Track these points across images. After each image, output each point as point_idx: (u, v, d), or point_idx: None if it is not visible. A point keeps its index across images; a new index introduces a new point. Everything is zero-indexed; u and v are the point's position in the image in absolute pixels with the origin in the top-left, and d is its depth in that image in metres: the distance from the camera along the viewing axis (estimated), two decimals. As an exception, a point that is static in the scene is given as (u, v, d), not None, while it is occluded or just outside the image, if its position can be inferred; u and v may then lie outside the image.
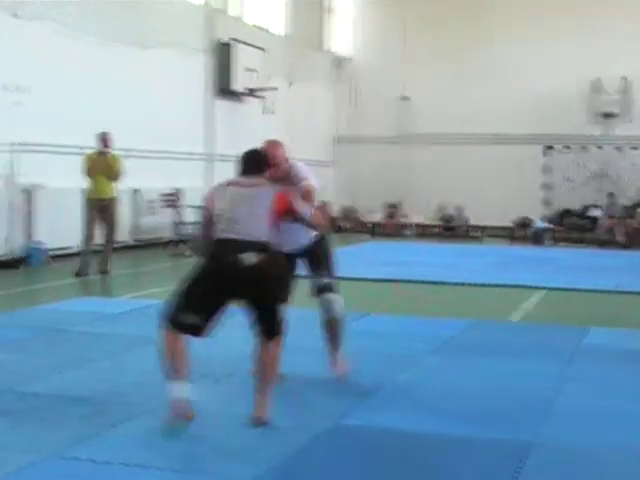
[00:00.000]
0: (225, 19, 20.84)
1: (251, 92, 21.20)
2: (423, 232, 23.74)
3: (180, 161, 18.23)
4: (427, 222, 24.12)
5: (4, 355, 7.16)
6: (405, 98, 25.50)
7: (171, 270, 14.12)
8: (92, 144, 13.35)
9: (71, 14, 15.30)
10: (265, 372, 5.40)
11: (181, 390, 5.12)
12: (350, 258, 16.28)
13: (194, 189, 18.48)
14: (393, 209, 24.71)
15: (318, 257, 6.38)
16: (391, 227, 24.31)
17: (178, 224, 17.08)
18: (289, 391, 6.20)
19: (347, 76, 26.18)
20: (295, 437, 5.17)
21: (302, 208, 5.69)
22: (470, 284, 12.59)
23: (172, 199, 17.36)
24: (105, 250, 13.31)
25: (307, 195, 6.02)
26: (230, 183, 5.58)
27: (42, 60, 14.75)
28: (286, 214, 5.54)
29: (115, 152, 13.39)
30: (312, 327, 8.64)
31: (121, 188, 13.78)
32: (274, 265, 5.31)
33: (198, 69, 19.86)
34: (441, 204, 24.05)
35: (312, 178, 6.22)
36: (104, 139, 13.21)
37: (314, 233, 6.32)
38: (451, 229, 24.05)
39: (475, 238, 22.96)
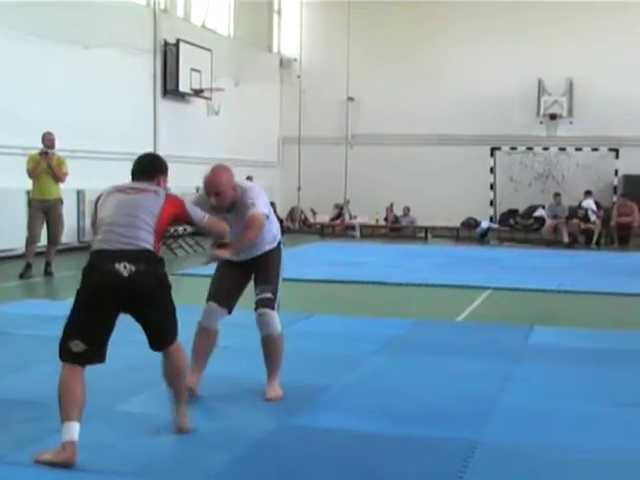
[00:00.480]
0: (171, 19, 20.74)
1: (197, 93, 21.14)
2: (370, 233, 23.85)
3: (125, 162, 17.99)
4: (374, 223, 24.21)
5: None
6: (350, 99, 25.58)
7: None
8: (36, 144, 13.22)
9: (10, 13, 15.11)
10: (172, 383, 5.25)
11: (69, 433, 4.71)
12: (296, 259, 16.29)
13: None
14: (340, 210, 24.77)
15: (263, 269, 6.16)
16: (338, 228, 24.39)
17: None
18: (235, 392, 6.21)
19: (294, 77, 26.18)
20: (241, 438, 5.18)
21: (196, 214, 5.32)
22: (415, 284, 12.69)
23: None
24: (49, 252, 13.21)
25: (251, 224, 5.81)
26: (117, 189, 5.23)
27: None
28: (177, 219, 5.29)
29: (59, 153, 13.27)
30: (249, 328, 8.68)
31: (65, 189, 13.64)
32: (153, 275, 4.97)
33: (143, 69, 19.75)
34: (389, 205, 24.12)
35: (260, 203, 5.93)
36: (48, 139, 13.10)
37: (269, 244, 6.18)
38: (398, 230, 24.17)
39: (422, 239, 23.12)
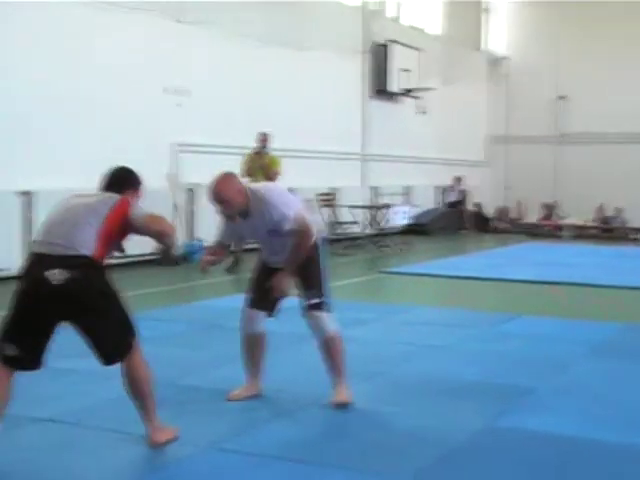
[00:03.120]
0: (382, 20, 20.94)
1: (406, 92, 21.23)
2: (580, 233, 23.20)
3: (336, 161, 18.41)
4: (583, 223, 23.56)
5: (166, 349, 7.38)
6: (561, 97, 25.03)
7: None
8: (250, 144, 13.63)
9: (230, 18, 15.68)
10: (135, 397, 4.83)
11: None
12: (504, 259, 16.13)
13: (350, 188, 18.66)
14: (549, 210, 24.28)
15: (302, 273, 5.75)
16: (547, 228, 23.91)
17: (334, 223, 17.21)
18: (440, 392, 6.20)
19: (503, 75, 25.88)
20: (449, 437, 5.16)
21: (137, 213, 4.74)
22: (627, 287, 12.23)
23: (329, 199, 17.50)
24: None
25: (302, 232, 5.54)
26: (75, 195, 4.89)
27: (202, 63, 15.19)
28: (125, 222, 4.70)
29: (273, 152, 13.61)
30: (457, 327, 8.65)
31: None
32: (88, 281, 4.51)
33: (354, 70, 20.04)
34: (599, 205, 23.47)
35: (293, 206, 5.60)
36: (262, 139, 13.48)
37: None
38: (609, 231, 23.44)
39: (635, 240, 22.30)
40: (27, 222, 12.22)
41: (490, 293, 11.98)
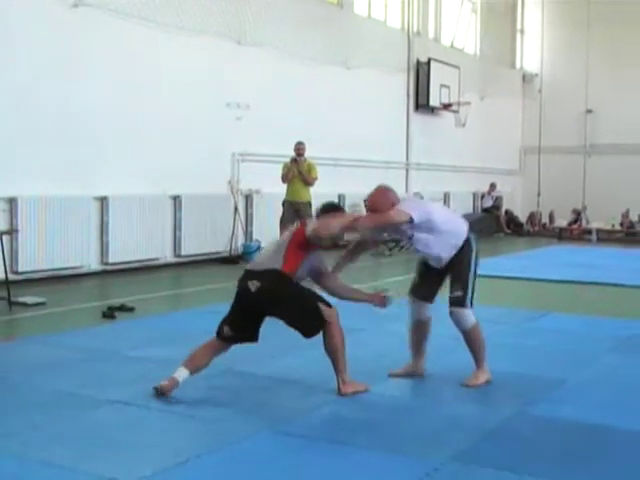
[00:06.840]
0: (423, 41, 20.90)
1: (446, 107, 21.18)
2: (606, 237, 22.94)
3: (382, 169, 18.40)
4: (610, 228, 23.28)
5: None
6: (589, 111, 24.82)
7: (369, 269, 14.28)
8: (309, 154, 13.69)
9: (285, 40, 15.74)
10: (329, 355, 5.70)
11: (178, 373, 5.63)
12: (535, 260, 16.05)
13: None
14: (577, 215, 24.06)
15: (453, 268, 5.96)
16: (575, 232, 23.68)
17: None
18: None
19: (536, 91, 25.75)
20: (483, 423, 5.15)
21: (309, 230, 5.73)
22: (651, 287, 12.09)
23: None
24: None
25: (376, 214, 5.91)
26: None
27: (260, 80, 15.28)
28: (306, 241, 5.72)
29: (309, 159, 13.61)
30: (492, 323, 8.60)
31: (326, 193, 13.84)
32: (274, 286, 5.59)
33: (398, 86, 20.04)
34: (624, 210, 23.19)
35: (404, 206, 5.86)
36: (297, 148, 13.52)
37: (449, 253, 5.91)
38: (633, 235, 23.13)
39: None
40: (102, 224, 12.38)
41: (522, 292, 11.91)
